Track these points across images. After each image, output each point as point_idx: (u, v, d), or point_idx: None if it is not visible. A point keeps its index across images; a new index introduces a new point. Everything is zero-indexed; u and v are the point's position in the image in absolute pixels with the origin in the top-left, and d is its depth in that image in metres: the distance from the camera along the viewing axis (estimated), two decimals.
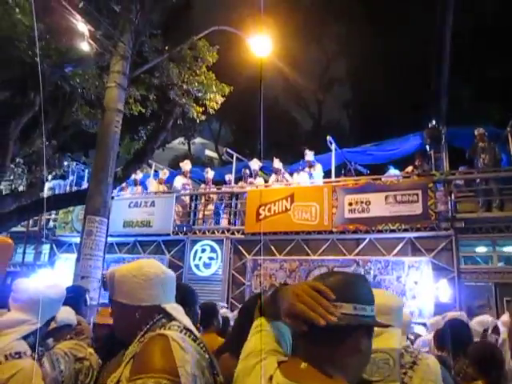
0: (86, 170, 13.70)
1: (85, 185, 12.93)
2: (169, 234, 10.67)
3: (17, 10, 6.82)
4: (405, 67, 18.18)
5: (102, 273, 6.36)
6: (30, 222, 12.92)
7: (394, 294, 2.39)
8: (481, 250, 8.83)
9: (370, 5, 19.58)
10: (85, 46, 7.15)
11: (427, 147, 10.04)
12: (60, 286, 2.37)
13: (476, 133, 9.14)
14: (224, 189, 11.45)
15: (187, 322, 1.69)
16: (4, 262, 4.33)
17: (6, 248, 4.32)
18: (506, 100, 16.04)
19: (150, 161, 11.67)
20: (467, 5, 15.90)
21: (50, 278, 11.05)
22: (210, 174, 11.72)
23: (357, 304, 1.15)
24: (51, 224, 13.03)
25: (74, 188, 13.34)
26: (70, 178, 13.82)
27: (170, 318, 1.69)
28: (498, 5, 16.45)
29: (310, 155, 10.36)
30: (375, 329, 1.36)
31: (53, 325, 3.34)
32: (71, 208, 11.61)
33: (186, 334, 1.61)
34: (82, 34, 7.10)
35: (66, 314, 3.32)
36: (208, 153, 26.03)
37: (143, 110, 9.34)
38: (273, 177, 10.83)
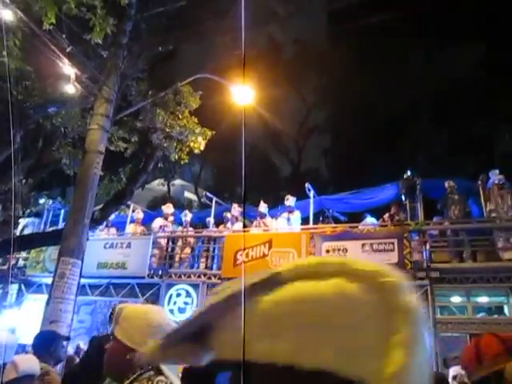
0: (62, 210, 13.47)
1: (61, 224, 12.69)
2: (144, 277, 10.45)
3: (4, 53, 6.93)
4: (383, 118, 18.89)
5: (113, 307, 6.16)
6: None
7: None
8: (456, 300, 8.90)
9: (348, 58, 20.49)
10: (70, 89, 7.24)
11: (403, 197, 10.28)
12: (11, 335, 2.30)
13: (447, 185, 9.45)
14: (203, 233, 11.38)
15: (173, 377, 1.69)
16: None
17: None
18: (478, 153, 16.74)
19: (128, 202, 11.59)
20: (447, 68, 16.88)
21: (12, 320, 10.58)
22: (188, 216, 11.65)
23: None
24: (21, 263, 12.62)
25: (49, 227, 13.05)
26: (46, 216, 13.55)
27: (158, 371, 1.67)
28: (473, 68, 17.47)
29: (291, 201, 10.43)
30: None
31: (13, 375, 3.18)
32: (44, 247, 11.32)
33: None
34: (68, 77, 7.21)
35: (28, 363, 3.15)
36: (187, 195, 25.99)
37: (125, 149, 9.38)
38: (256, 221, 10.84)
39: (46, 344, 3.43)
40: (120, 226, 12.65)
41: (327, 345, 0.40)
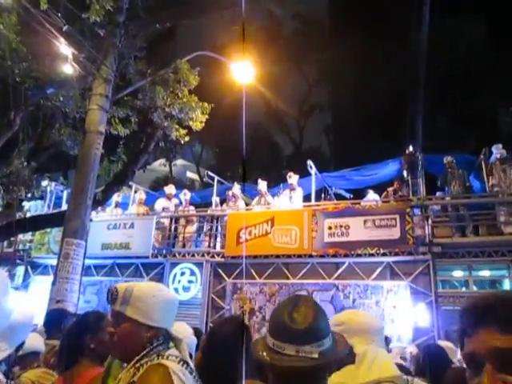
0: (65, 191, 13.53)
1: (64, 206, 12.75)
2: (148, 257, 10.54)
3: (0, 26, 6.85)
4: (384, 94, 18.72)
5: (110, 287, 6.25)
6: (5, 242, 12.62)
7: (373, 315, 2.42)
8: (457, 274, 8.97)
9: (350, 33, 20.19)
10: (68, 69, 7.18)
11: (404, 173, 10.27)
12: (29, 309, 2.32)
13: (445, 161, 9.42)
14: (210, 211, 11.43)
15: (185, 352, 1.71)
16: None
17: None
18: (480, 128, 16.61)
19: (130, 182, 11.61)
20: (444, 42, 16.62)
21: (20, 301, 10.73)
22: (187, 195, 11.68)
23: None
24: (27, 245, 12.75)
25: (53, 209, 13.12)
26: (48, 198, 13.61)
27: (167, 345, 1.71)
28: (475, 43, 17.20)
29: (293, 178, 10.43)
30: (359, 356, 1.48)
31: (19, 352, 3.25)
32: (48, 229, 11.41)
33: (183, 365, 1.62)
34: (65, 57, 7.14)
35: (33, 341, 3.22)
36: (189, 175, 26.03)
37: (126, 131, 9.35)
38: (256, 199, 10.86)
39: (57, 321, 3.50)
40: (124, 207, 12.72)
41: None
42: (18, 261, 12.40)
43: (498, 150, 9.09)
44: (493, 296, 0.90)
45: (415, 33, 11.83)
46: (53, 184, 13.78)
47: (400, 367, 3.04)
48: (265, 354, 1.22)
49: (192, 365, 1.69)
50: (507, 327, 0.84)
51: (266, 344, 1.24)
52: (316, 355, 1.18)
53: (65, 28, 6.72)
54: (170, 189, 11.91)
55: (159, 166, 23.11)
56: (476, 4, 17.29)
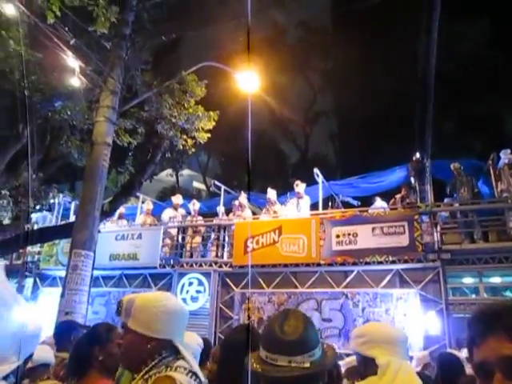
0: (73, 203, 13.60)
1: (71, 217, 12.81)
2: (155, 267, 10.55)
3: (11, 42, 6.94)
4: (389, 100, 18.71)
5: (119, 300, 6.25)
6: (14, 254, 12.68)
7: (397, 328, 2.42)
8: (468, 281, 8.88)
9: (354, 40, 20.25)
10: (75, 81, 7.25)
11: (412, 179, 10.22)
12: (37, 321, 2.32)
13: (452, 167, 9.36)
14: (215, 221, 11.44)
15: (194, 363, 1.69)
16: None
17: None
18: (487, 133, 16.55)
19: (137, 193, 11.66)
20: (452, 46, 16.60)
21: (28, 312, 10.74)
22: (195, 205, 11.72)
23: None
24: (35, 257, 12.80)
25: (60, 220, 13.19)
26: (56, 210, 13.69)
27: (177, 356, 1.69)
28: (480, 47, 17.19)
29: (300, 186, 10.42)
30: (382, 367, 1.50)
31: (29, 364, 3.24)
32: (56, 241, 11.46)
33: (191, 377, 1.61)
34: (73, 70, 7.22)
35: (43, 353, 3.22)
36: (196, 185, 26.10)
37: (132, 141, 9.42)
38: (266, 208, 10.87)
39: (67, 333, 3.49)
40: (131, 218, 12.76)
41: None
42: (27, 273, 12.45)
43: (506, 155, 9.04)
44: (501, 304, 0.90)
45: (421, 39, 11.82)
46: (60, 195, 13.87)
47: (422, 376, 3.01)
48: (258, 366, 1.27)
49: (202, 376, 1.68)
50: None
51: (260, 357, 1.30)
52: (308, 364, 1.24)
53: (72, 41, 6.81)
54: (177, 199, 11.96)
55: (166, 176, 23.21)
56: (482, 7, 17.29)
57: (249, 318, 9.35)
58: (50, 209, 13.62)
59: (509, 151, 9.07)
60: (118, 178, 9.65)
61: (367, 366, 1.86)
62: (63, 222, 12.33)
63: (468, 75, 17.35)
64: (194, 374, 1.62)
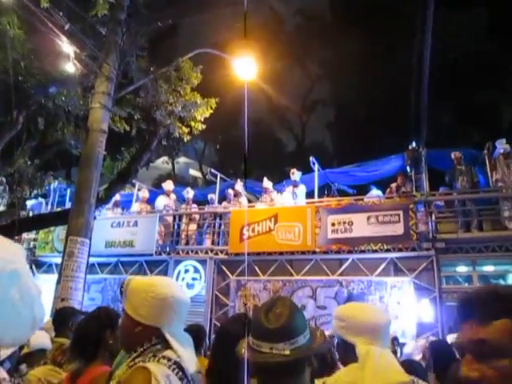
0: (68, 190, 13.56)
1: (67, 204, 12.78)
2: (151, 254, 10.57)
3: (7, 26, 6.87)
4: (386, 89, 18.65)
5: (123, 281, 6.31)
6: None
7: (380, 310, 2.36)
8: (461, 269, 8.95)
9: (353, 29, 20.12)
10: (70, 67, 7.18)
11: (408, 168, 10.24)
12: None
13: (453, 156, 9.37)
14: (207, 209, 11.45)
15: (185, 354, 1.64)
16: None
17: None
18: (483, 123, 16.56)
19: (133, 180, 11.63)
20: (450, 36, 16.53)
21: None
22: (190, 193, 11.71)
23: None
24: (31, 244, 12.80)
25: (56, 207, 13.16)
26: (52, 197, 13.64)
27: (166, 345, 1.65)
28: (477, 38, 17.11)
29: (296, 175, 10.42)
30: (361, 356, 1.52)
31: (25, 350, 3.27)
32: (52, 227, 11.45)
33: (174, 370, 1.55)
34: (67, 55, 7.14)
35: (40, 339, 3.24)
36: (192, 172, 26.03)
37: (128, 128, 9.36)
38: (263, 196, 10.89)
39: (66, 319, 3.50)
40: (126, 206, 12.74)
41: None
42: None
43: (501, 145, 9.05)
44: (473, 292, 1.00)
45: (419, 28, 11.76)
46: (56, 182, 13.81)
47: (415, 364, 3.03)
48: (246, 352, 1.33)
49: (192, 368, 1.63)
50: (484, 319, 0.92)
51: (249, 344, 1.36)
52: (288, 352, 1.29)
53: (67, 27, 6.72)
54: (168, 185, 11.90)
55: (162, 163, 23.12)
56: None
57: (244, 305, 9.41)
58: (45, 195, 13.58)
59: (504, 141, 9.08)
60: (114, 164, 9.63)
61: (347, 350, 1.85)
62: (59, 209, 12.30)
63: (466, 65, 17.31)
64: (179, 366, 1.57)
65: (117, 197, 12.20)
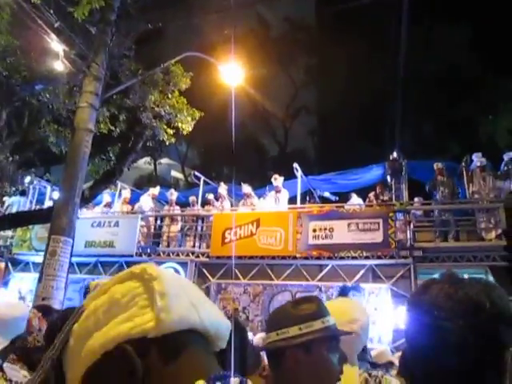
0: (48, 188, 13.37)
1: (47, 202, 12.61)
2: (132, 255, 10.52)
3: None
4: (370, 99, 18.98)
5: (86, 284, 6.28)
6: None
7: (360, 304, 2.44)
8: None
9: (338, 38, 20.42)
10: (58, 65, 7.15)
11: (388, 178, 10.47)
12: (22, 304, 2.37)
13: (435, 167, 9.64)
14: (189, 211, 11.47)
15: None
16: None
17: None
18: (463, 136, 17.00)
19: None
20: (429, 50, 16.95)
21: (4, 297, 10.58)
22: (173, 195, 11.73)
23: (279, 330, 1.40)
24: (8, 241, 12.56)
25: (35, 205, 12.97)
26: (31, 194, 13.43)
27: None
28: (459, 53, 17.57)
29: (279, 180, 10.54)
30: None
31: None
32: (30, 225, 11.28)
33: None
34: (56, 53, 7.11)
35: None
36: (174, 174, 25.92)
37: (112, 129, 9.34)
38: (242, 201, 10.96)
39: (42, 317, 3.50)
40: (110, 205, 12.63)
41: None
42: None
43: (478, 158, 9.36)
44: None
45: (399, 40, 12.09)
46: (36, 180, 13.60)
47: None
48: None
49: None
50: None
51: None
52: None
53: (56, 24, 6.70)
54: (155, 190, 12.05)
55: (144, 164, 22.90)
56: (462, 14, 17.67)
57: (224, 308, 9.45)
58: (24, 193, 13.36)
59: (480, 154, 9.40)
60: (99, 164, 9.58)
61: None
62: (39, 207, 12.13)
63: (447, 78, 17.75)
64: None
65: (107, 198, 12.15)
